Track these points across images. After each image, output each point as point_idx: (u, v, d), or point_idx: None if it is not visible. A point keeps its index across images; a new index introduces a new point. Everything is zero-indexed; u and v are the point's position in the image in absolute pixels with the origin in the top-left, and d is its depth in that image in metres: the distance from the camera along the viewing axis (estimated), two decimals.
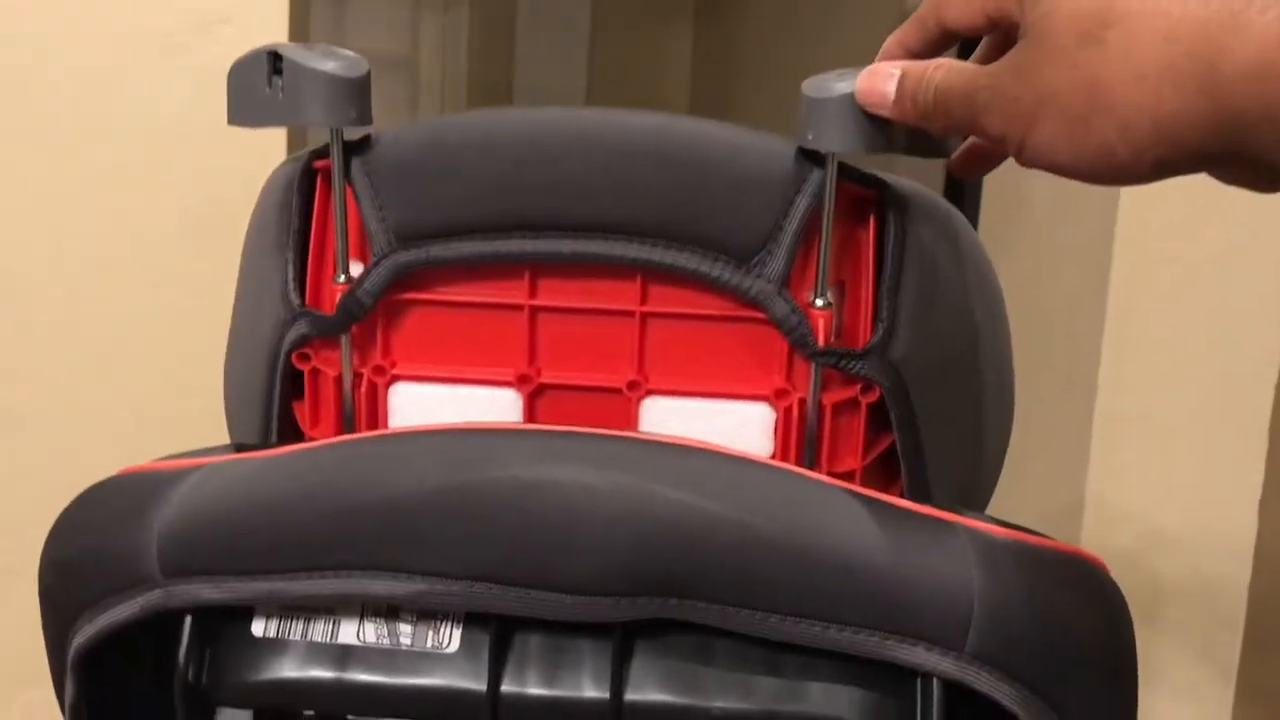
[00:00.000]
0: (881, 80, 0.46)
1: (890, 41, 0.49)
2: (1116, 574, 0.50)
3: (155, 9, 1.08)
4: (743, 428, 0.49)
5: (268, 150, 1.09)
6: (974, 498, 0.58)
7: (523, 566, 0.44)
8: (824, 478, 0.47)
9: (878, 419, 0.51)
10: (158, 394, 1.14)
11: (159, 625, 0.48)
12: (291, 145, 1.10)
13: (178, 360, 1.13)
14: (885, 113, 0.46)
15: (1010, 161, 0.46)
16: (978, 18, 0.45)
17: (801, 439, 0.49)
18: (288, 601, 0.47)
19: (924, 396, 0.50)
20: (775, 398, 0.49)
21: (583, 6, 2.63)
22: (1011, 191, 1.28)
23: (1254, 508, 1.16)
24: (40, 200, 1.11)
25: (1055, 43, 0.41)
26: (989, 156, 0.51)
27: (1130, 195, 1.10)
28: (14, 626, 1.15)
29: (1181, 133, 0.39)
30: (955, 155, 0.51)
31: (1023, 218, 1.27)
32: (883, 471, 0.52)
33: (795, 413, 0.49)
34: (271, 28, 1.11)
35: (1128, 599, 0.49)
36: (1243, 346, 1.14)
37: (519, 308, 0.49)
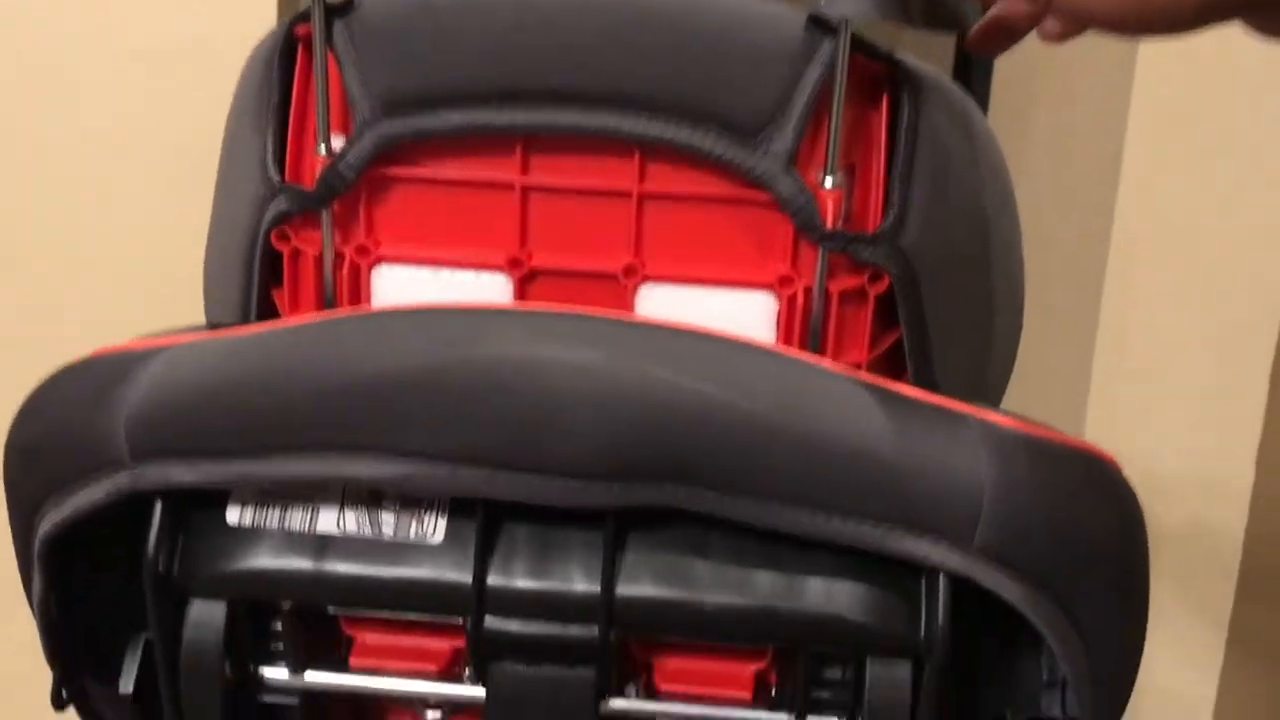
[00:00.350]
0: None
1: None
2: None
3: None
4: (744, 317, 0.47)
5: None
6: (983, 397, 0.56)
7: (511, 448, 0.42)
8: (829, 363, 0.45)
9: (884, 314, 0.48)
10: (140, 302, 1.12)
11: (130, 517, 0.46)
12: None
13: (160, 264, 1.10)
14: None
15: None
16: None
17: (805, 329, 0.47)
18: (264, 485, 0.45)
19: (934, 289, 0.48)
20: (779, 285, 0.47)
21: None
22: (1014, 116, 1.26)
23: (1252, 456, 1.15)
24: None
25: None
26: (1011, 30, 0.48)
27: (1136, 131, 1.08)
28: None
29: None
30: (974, 29, 0.49)
31: (1026, 146, 1.25)
32: (887, 369, 0.50)
33: (799, 302, 0.47)
34: None
35: None
36: (1246, 293, 1.13)
37: (510, 186, 0.47)
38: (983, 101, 1.29)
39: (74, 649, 0.49)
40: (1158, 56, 1.03)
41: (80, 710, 0.51)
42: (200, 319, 0.53)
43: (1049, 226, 1.21)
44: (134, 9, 1.06)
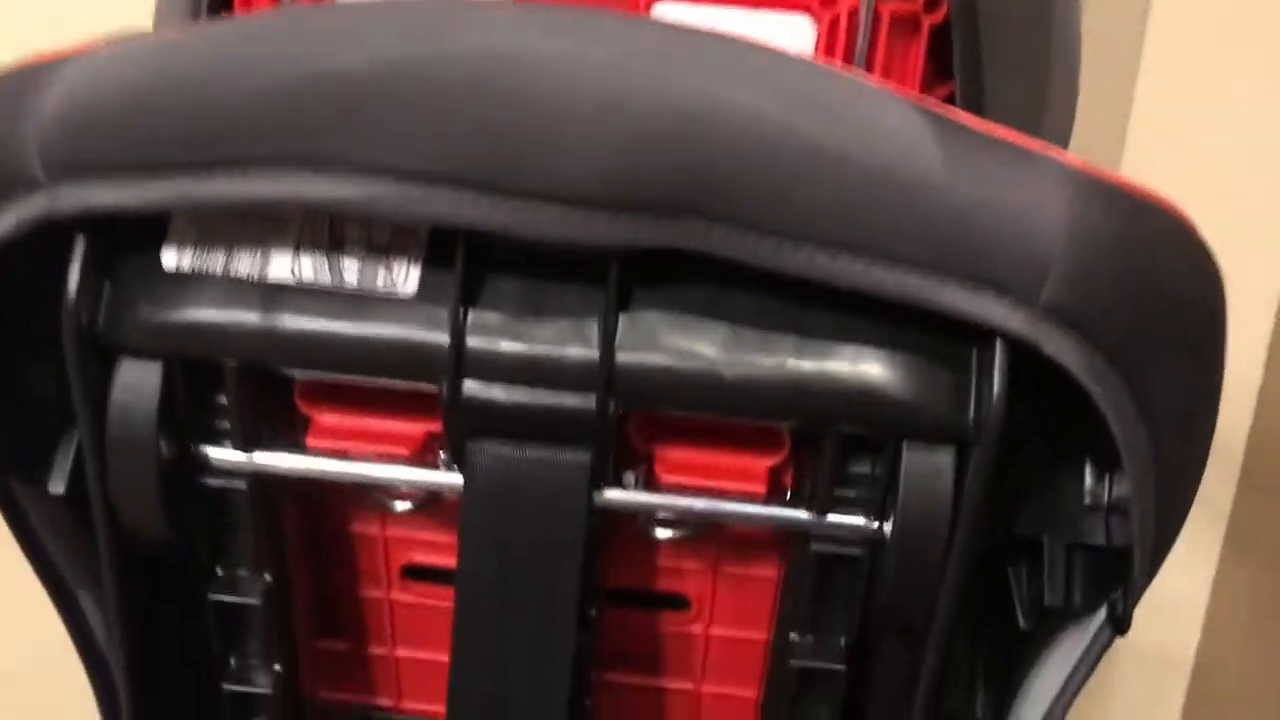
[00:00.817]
0: None
1: None
2: None
3: None
4: (777, 42, 0.40)
5: None
6: None
7: (498, 164, 0.35)
8: (883, 82, 0.38)
9: (937, 56, 0.41)
10: None
11: (53, 257, 0.39)
12: None
13: None
14: None
15: None
16: None
17: (849, 60, 0.40)
18: (206, 217, 0.38)
19: (992, 31, 0.41)
20: (819, 5, 0.40)
21: None
22: None
23: (1261, 357, 1.10)
24: None
25: None
26: None
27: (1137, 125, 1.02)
28: None
29: None
30: None
31: None
32: None
33: (843, 25, 0.40)
34: None
35: None
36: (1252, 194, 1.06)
37: None
38: None
39: None
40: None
41: (9, 521, 0.44)
42: None
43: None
44: None
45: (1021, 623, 0.43)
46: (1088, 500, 0.42)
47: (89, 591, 0.45)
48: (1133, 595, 0.40)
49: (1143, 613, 0.43)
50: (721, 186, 0.35)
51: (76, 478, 0.42)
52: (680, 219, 0.35)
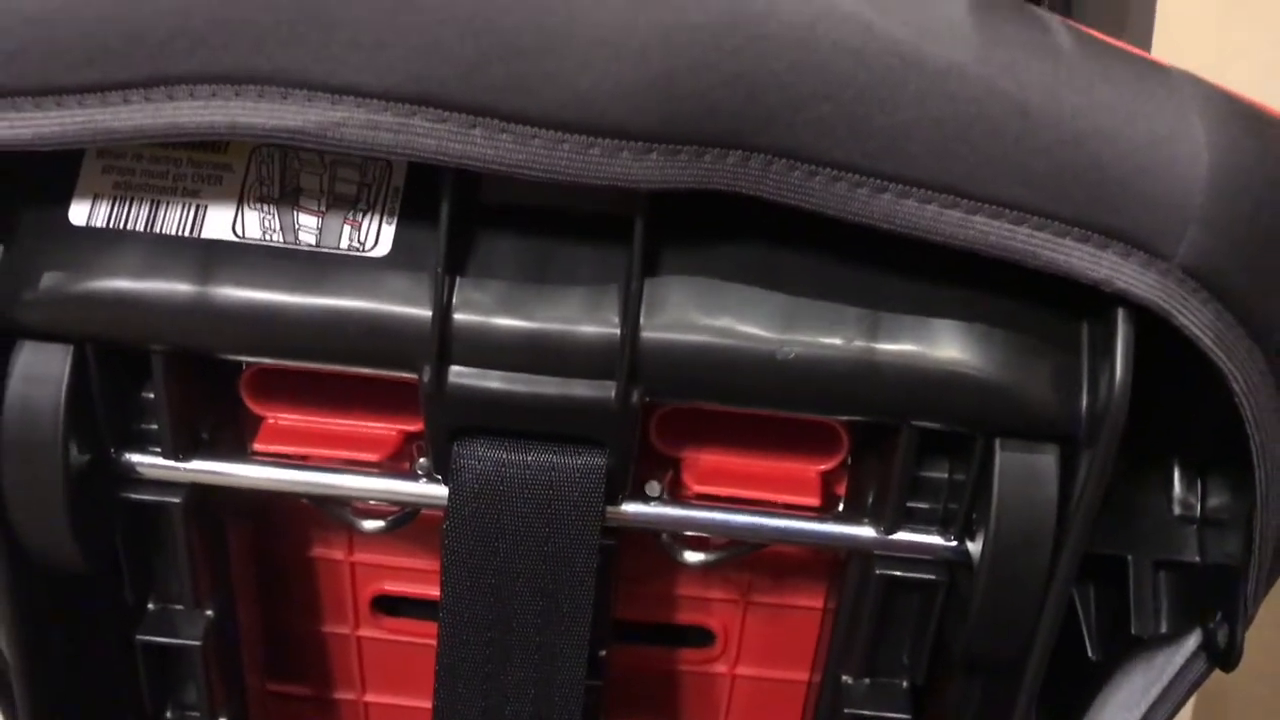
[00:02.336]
0: None
1: None
2: None
3: None
4: None
5: None
6: None
7: (493, 79, 0.27)
8: None
9: None
10: None
11: None
12: None
13: None
14: None
15: None
16: None
17: None
18: (122, 143, 0.30)
19: None
20: None
21: None
22: None
23: None
24: None
25: None
26: None
27: None
28: None
29: None
30: None
31: None
32: None
33: None
34: None
35: None
36: None
37: None
38: None
39: None
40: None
41: None
42: None
43: None
44: None
45: (1091, 653, 0.36)
46: (1178, 510, 0.34)
47: None
48: (1242, 620, 0.33)
49: None
50: (783, 108, 0.27)
51: None
52: (730, 154, 0.28)
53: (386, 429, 0.34)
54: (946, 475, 0.33)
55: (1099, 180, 0.28)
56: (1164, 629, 0.35)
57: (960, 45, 0.27)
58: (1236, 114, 0.29)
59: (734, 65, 0.26)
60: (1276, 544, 0.33)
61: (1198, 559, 0.34)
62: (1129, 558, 0.35)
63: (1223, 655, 0.34)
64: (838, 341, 0.30)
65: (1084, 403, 0.30)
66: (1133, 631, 0.34)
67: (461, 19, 0.26)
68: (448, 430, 0.32)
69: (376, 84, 0.27)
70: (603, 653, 0.36)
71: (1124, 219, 0.28)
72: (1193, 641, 0.34)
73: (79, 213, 0.31)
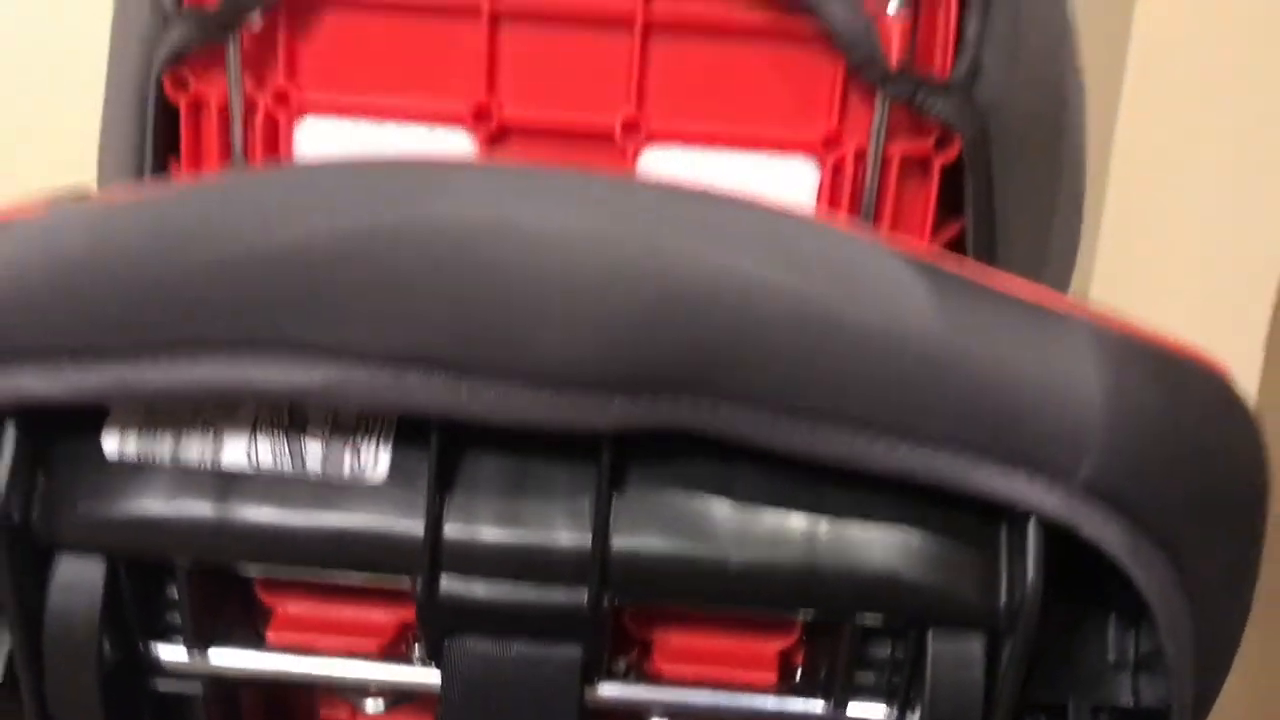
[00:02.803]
0: None
1: None
2: None
3: None
4: (776, 189, 0.37)
5: None
6: None
7: (477, 345, 0.31)
8: (896, 239, 0.35)
9: (947, 196, 0.38)
10: None
11: None
12: None
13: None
14: None
15: None
16: None
17: (855, 206, 0.37)
18: (149, 397, 0.34)
19: (1006, 166, 0.38)
20: (822, 147, 0.37)
21: None
22: None
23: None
24: None
25: None
26: None
27: (1124, 133, 1.02)
28: None
29: None
30: None
31: None
32: None
33: (848, 170, 0.36)
34: None
35: None
36: (1241, 256, 1.06)
37: (475, 11, 0.36)
38: None
39: None
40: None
41: None
42: None
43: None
44: None
45: None
46: (1113, 657, 0.38)
47: None
48: None
49: None
50: (728, 364, 0.31)
51: (11, 671, 0.38)
52: (680, 400, 0.32)
53: (385, 618, 0.38)
54: (889, 653, 0.37)
55: (1004, 418, 0.32)
56: None
57: (881, 307, 0.31)
58: (1130, 351, 0.33)
59: (686, 333, 0.30)
60: (1201, 692, 0.36)
61: (1132, 703, 0.38)
62: (1069, 704, 0.38)
63: None
64: (785, 548, 0.34)
65: (1003, 599, 0.34)
66: None
67: (449, 296, 0.30)
68: (440, 629, 0.35)
69: (373, 349, 0.31)
70: None
71: (1027, 449, 0.32)
72: None
73: (110, 446, 0.35)
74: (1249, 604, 0.38)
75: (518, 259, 0.30)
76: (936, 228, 0.39)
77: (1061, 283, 0.47)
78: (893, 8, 0.35)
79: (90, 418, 0.35)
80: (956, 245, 0.39)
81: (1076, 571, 0.34)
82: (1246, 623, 0.38)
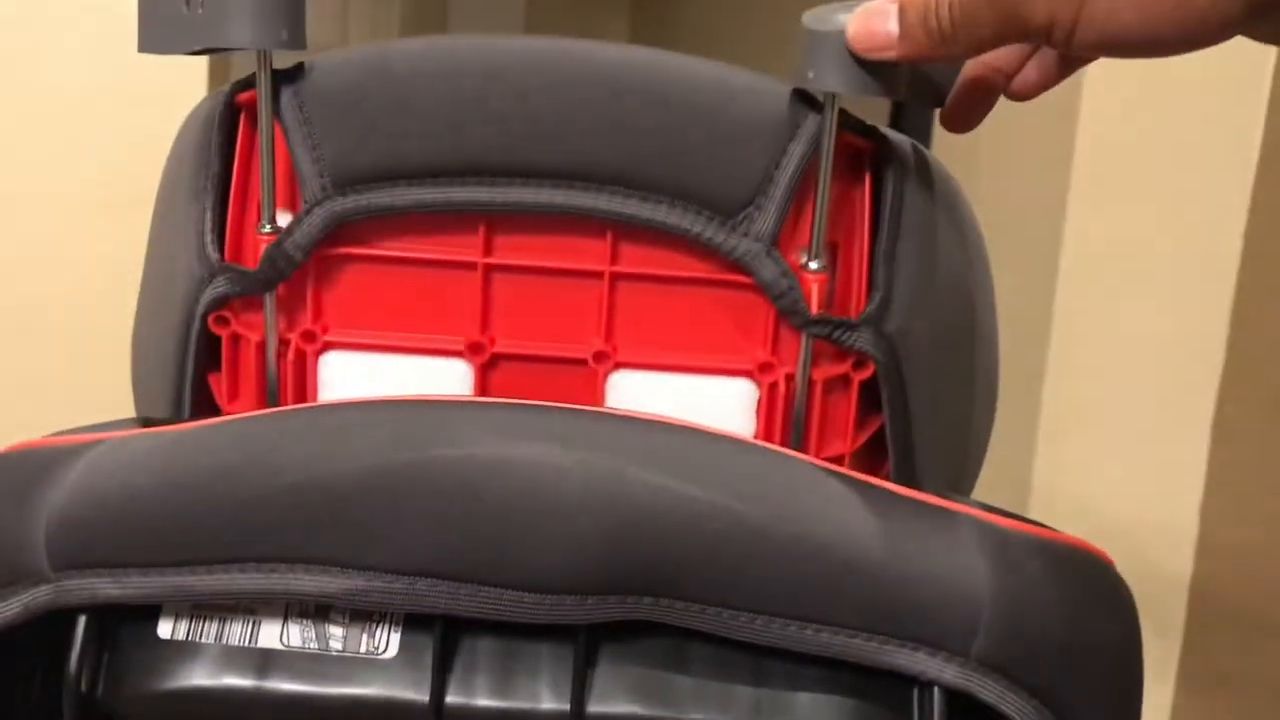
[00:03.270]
0: (879, 20, 0.40)
1: None
2: None
3: None
4: (722, 405, 0.44)
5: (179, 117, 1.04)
6: (960, 488, 0.54)
7: (476, 560, 0.38)
8: (816, 461, 0.42)
9: (867, 401, 0.46)
10: (61, 372, 1.08)
11: (50, 623, 0.41)
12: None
13: (82, 336, 1.07)
14: (890, 55, 0.40)
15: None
16: None
17: (788, 419, 0.44)
18: (200, 600, 0.41)
19: (917, 375, 0.45)
20: (759, 372, 0.44)
21: None
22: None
23: (1197, 502, 1.17)
24: None
25: None
26: (990, 89, 0.46)
27: (1078, 197, 1.10)
28: None
29: None
30: (948, 101, 0.46)
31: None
32: (869, 457, 0.47)
33: (781, 389, 0.44)
34: None
35: None
36: (1188, 344, 1.14)
37: (472, 266, 0.43)
38: None
39: None
40: (1100, 101, 1.05)
41: None
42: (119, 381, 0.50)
43: (996, 276, 1.21)
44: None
45: None
46: None
47: None
48: None
49: None
50: (680, 573, 0.38)
51: None
52: (642, 600, 0.39)
53: None
54: None
55: (906, 607, 0.39)
56: None
57: (803, 521, 0.39)
58: (1016, 544, 0.41)
59: (642, 548, 0.38)
60: None
61: None
62: None
63: None
64: (733, 713, 0.41)
65: None
66: None
67: (453, 521, 0.38)
68: None
69: (389, 564, 0.38)
70: None
71: (929, 632, 0.39)
72: None
73: (164, 629, 0.41)
74: None
75: (510, 491, 0.38)
76: (861, 425, 0.46)
77: (980, 459, 0.55)
78: (813, 265, 0.42)
79: (147, 608, 0.42)
80: (880, 437, 0.46)
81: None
82: None
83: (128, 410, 0.49)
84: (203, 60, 0.99)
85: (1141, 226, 1.10)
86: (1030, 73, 0.47)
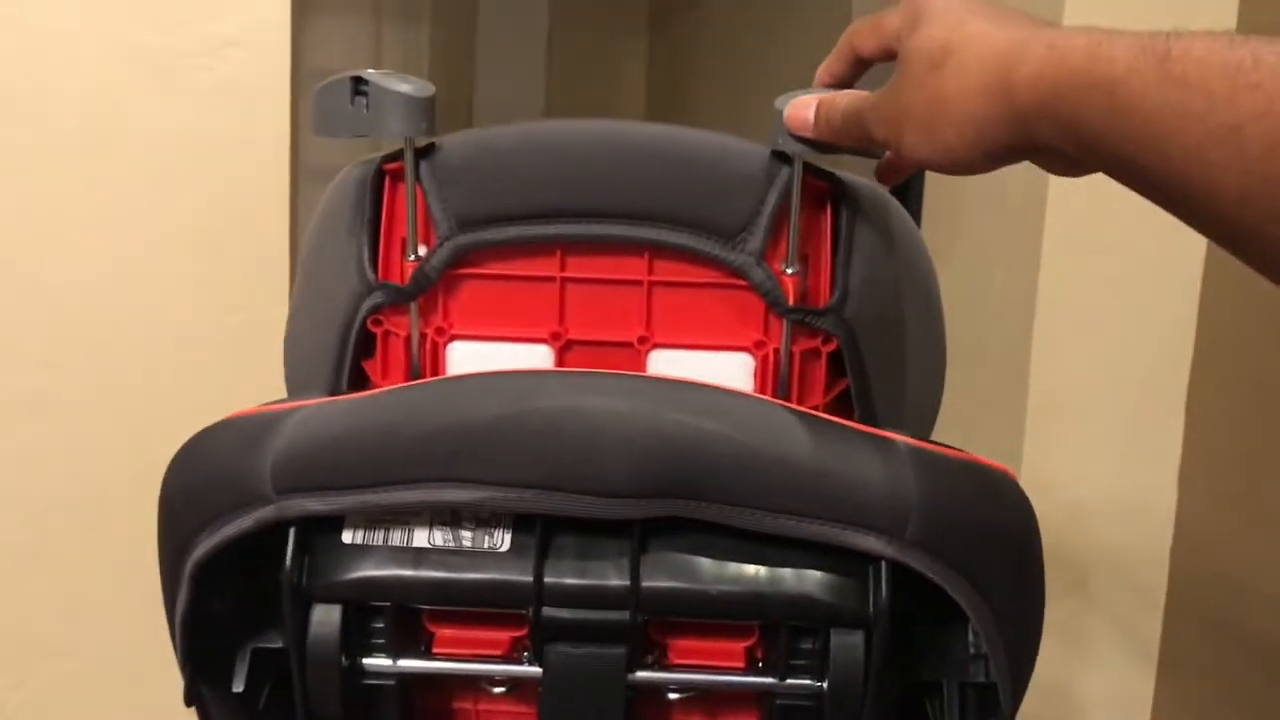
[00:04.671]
0: (803, 109, 0.59)
1: (820, 71, 0.62)
2: (1048, 545, 0.62)
3: (169, 31, 1.20)
4: (729, 372, 0.62)
5: (267, 164, 1.21)
6: (918, 431, 0.71)
7: (564, 475, 0.56)
8: (795, 406, 0.60)
9: (834, 367, 0.64)
10: (169, 383, 1.25)
11: (253, 545, 0.59)
12: (294, 160, 1.22)
13: (185, 349, 1.24)
14: (808, 134, 0.59)
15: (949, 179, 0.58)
16: (877, 50, 0.58)
17: (776, 381, 0.62)
18: (374, 513, 0.59)
19: (869, 346, 0.63)
20: (755, 348, 0.62)
21: (540, 22, 2.71)
22: (951, 200, 1.40)
23: (1174, 481, 1.27)
24: (64, 210, 1.21)
25: (913, 69, 0.53)
26: (897, 167, 0.64)
27: (1056, 201, 1.19)
28: (38, 602, 1.25)
29: (995, 132, 0.50)
30: (879, 163, 0.64)
31: (960, 223, 1.39)
32: (839, 409, 0.65)
33: (771, 360, 0.62)
34: (276, 51, 1.22)
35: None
36: (1161, 334, 1.23)
37: (552, 279, 0.62)
38: (918, 202, 1.43)
39: (199, 656, 0.62)
40: None
41: (198, 710, 0.64)
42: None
43: (982, 281, 1.32)
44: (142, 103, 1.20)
45: None
46: (971, 650, 0.62)
47: None
48: (1009, 711, 0.61)
49: None
50: (700, 481, 0.56)
51: (250, 682, 0.62)
52: (676, 501, 0.57)
53: (504, 636, 0.62)
54: (811, 645, 0.62)
55: (859, 502, 0.57)
56: None
57: (784, 445, 0.57)
58: (937, 461, 0.58)
59: (677, 466, 0.56)
60: (1015, 672, 0.61)
61: (983, 679, 0.62)
62: (944, 682, 0.63)
63: None
64: (742, 584, 0.59)
65: (871, 608, 0.59)
66: None
67: (546, 449, 0.56)
68: (541, 639, 0.60)
69: (506, 480, 0.56)
70: None
71: (873, 520, 0.57)
72: None
73: (347, 537, 0.60)
74: (1039, 613, 0.62)
75: (582, 428, 0.56)
76: (831, 385, 0.64)
77: (933, 404, 0.73)
78: (790, 271, 0.61)
79: (334, 521, 0.60)
80: (846, 394, 0.64)
81: (939, 592, 0.59)
82: (1042, 627, 0.63)
83: (224, 396, 0.64)
84: (271, 118, 1.19)
85: (1116, 229, 1.19)
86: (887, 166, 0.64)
